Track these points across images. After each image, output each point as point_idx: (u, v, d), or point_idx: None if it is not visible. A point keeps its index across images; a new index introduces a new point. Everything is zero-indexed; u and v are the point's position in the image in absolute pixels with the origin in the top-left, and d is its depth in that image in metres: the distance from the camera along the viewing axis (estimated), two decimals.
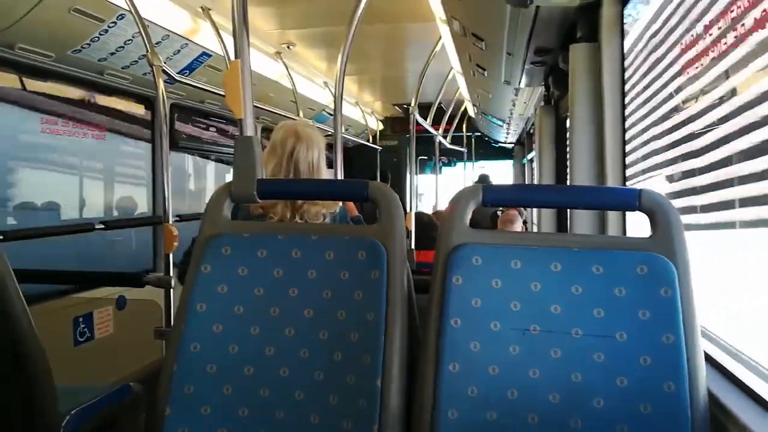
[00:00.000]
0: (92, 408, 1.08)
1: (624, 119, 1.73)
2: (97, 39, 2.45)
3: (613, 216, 1.71)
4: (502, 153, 8.57)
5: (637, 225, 1.52)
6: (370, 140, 6.92)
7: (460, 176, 7.75)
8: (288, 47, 3.85)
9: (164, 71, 2.40)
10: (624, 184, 1.71)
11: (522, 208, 4.80)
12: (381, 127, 7.48)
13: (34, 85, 2.65)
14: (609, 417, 1.01)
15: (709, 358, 1.10)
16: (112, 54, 2.62)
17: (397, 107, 6.91)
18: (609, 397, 1.02)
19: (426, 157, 7.66)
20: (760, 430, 0.90)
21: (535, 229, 4.75)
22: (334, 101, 2.18)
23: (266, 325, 1.17)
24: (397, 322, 1.12)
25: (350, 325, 1.14)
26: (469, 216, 1.15)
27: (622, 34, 1.75)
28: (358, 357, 1.12)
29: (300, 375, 1.14)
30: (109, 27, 2.41)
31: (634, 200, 1.08)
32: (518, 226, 3.87)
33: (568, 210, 2.35)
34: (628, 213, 1.67)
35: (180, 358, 1.15)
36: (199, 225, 1.24)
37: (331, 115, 5.20)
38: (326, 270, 1.18)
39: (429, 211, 5.20)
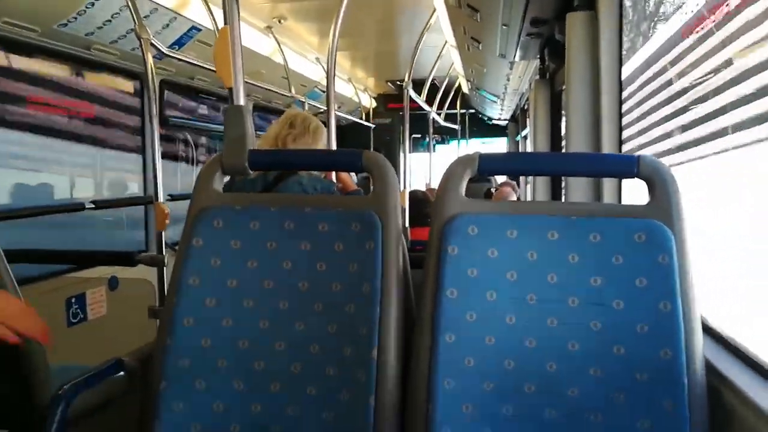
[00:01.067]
0: (84, 384, 1.07)
1: (621, 89, 1.71)
2: (83, 12, 2.39)
3: (608, 185, 1.69)
4: (496, 130, 8.53)
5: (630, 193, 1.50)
6: (363, 118, 6.86)
7: (454, 154, 7.71)
8: (279, 21, 3.78)
9: (153, 45, 2.34)
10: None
11: (515, 185, 4.78)
12: (374, 104, 7.41)
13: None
14: (606, 385, 1.01)
15: (704, 325, 1.10)
16: (99, 28, 2.56)
17: (390, 84, 6.83)
18: (606, 365, 1.01)
19: (419, 135, 7.62)
20: (756, 396, 0.90)
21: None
22: (327, 77, 2.15)
23: (260, 298, 1.15)
24: (392, 294, 1.10)
25: (345, 297, 1.13)
26: (464, 186, 1.13)
27: (621, 2, 1.71)
28: (354, 329, 1.11)
29: (295, 347, 1.13)
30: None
31: (632, 167, 1.06)
32: (512, 198, 3.86)
33: (563, 182, 2.33)
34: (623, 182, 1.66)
35: (174, 332, 1.14)
36: (190, 198, 1.22)
37: (323, 92, 5.15)
38: (320, 242, 1.16)
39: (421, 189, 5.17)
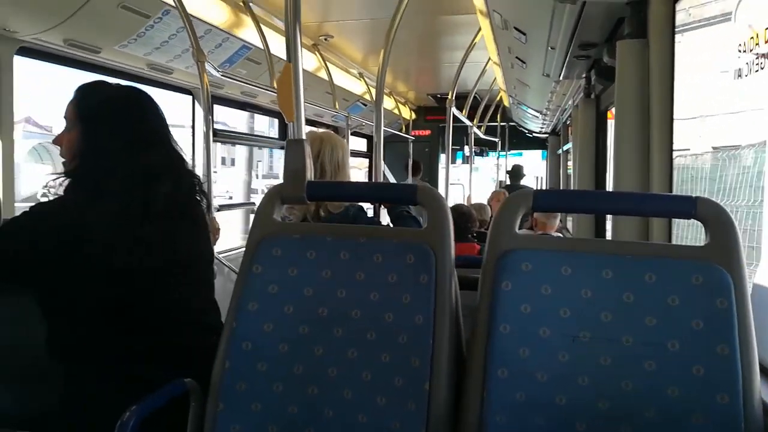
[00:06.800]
0: (149, 403, 1.12)
1: (672, 120, 1.69)
2: (143, 34, 2.50)
3: (657, 222, 1.68)
4: (535, 143, 8.46)
5: None
6: (403, 129, 6.91)
7: (493, 167, 7.68)
8: (325, 39, 3.86)
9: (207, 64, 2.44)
10: (670, 189, 1.67)
11: None
12: (413, 116, 7.45)
13: None
14: (659, 427, 1.01)
15: (763, 370, 1.08)
16: (157, 48, 2.67)
17: (431, 96, 6.86)
18: (660, 406, 1.01)
19: (457, 147, 7.62)
20: None
21: (569, 225, 4.69)
22: (375, 95, 2.19)
23: (315, 324, 1.19)
24: (445, 327, 1.13)
25: (398, 328, 1.16)
26: (518, 221, 1.14)
27: (673, 31, 1.70)
28: (406, 359, 1.13)
29: (348, 375, 1.16)
30: (155, 22, 2.46)
31: (689, 208, 1.06)
32: (556, 222, 3.83)
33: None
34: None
35: (232, 355, 1.19)
36: (250, 226, 1.27)
37: (364, 105, 5.21)
38: (374, 272, 1.19)
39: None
